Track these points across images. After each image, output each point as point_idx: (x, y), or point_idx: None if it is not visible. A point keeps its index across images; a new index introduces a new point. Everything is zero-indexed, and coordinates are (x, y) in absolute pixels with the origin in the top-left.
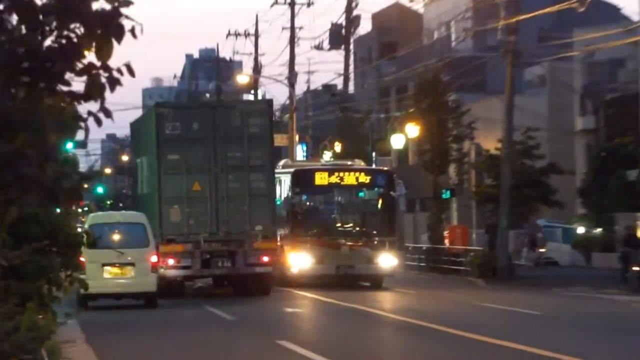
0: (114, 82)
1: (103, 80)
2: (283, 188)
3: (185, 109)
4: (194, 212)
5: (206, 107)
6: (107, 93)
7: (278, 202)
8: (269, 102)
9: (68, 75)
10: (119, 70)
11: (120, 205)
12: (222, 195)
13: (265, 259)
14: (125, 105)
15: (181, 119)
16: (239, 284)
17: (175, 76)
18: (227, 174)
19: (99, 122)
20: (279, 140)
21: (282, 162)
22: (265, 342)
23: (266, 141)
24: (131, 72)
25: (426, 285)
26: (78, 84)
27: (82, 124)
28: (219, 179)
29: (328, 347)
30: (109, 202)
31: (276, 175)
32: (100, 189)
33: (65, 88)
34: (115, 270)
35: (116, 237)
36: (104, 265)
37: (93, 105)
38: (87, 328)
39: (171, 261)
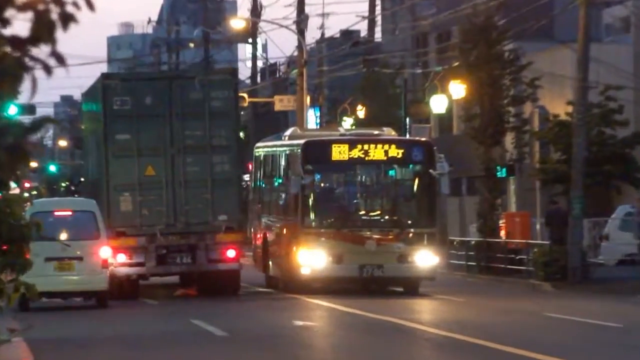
0: (67, 19)
1: (54, 16)
2: (291, 165)
3: (136, 80)
4: (147, 201)
5: (161, 79)
6: (60, 34)
7: (276, 183)
8: (234, 72)
9: (8, 13)
10: (75, 4)
11: (73, 189)
12: (180, 180)
13: (231, 253)
14: (87, 59)
15: (132, 92)
16: (202, 283)
17: (149, 20)
18: (186, 156)
19: (48, 70)
20: (285, 102)
21: (288, 132)
22: None
23: (231, 117)
24: (90, 5)
25: (476, 290)
26: (21, 24)
27: (28, 75)
28: (176, 162)
29: None
30: (63, 185)
31: (281, 149)
32: (52, 167)
33: (4, 29)
34: (61, 265)
35: (62, 227)
36: (47, 259)
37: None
38: (38, 346)
39: (122, 257)
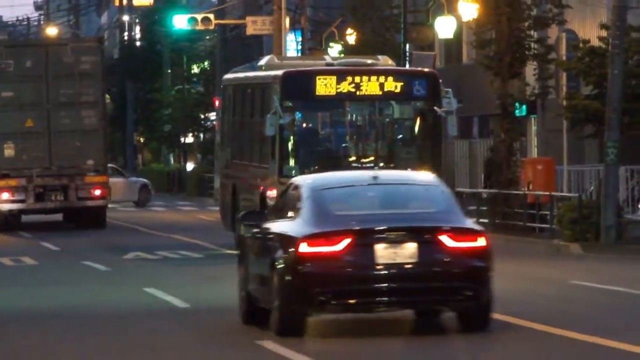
0: None
1: None
2: (266, 101)
3: (18, 47)
4: (27, 148)
5: (39, 46)
6: None
7: (249, 123)
8: (100, 39)
9: None
10: None
11: None
12: (55, 131)
13: (97, 192)
14: None
15: (14, 56)
16: (73, 217)
17: None
18: (59, 110)
19: None
20: (259, 25)
21: (264, 61)
22: (242, 341)
23: (97, 78)
24: None
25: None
26: None
27: None
28: (51, 116)
29: (325, 347)
30: None
31: (254, 81)
32: None
33: None
34: None
35: None
36: None
37: None
38: None
39: (5, 195)
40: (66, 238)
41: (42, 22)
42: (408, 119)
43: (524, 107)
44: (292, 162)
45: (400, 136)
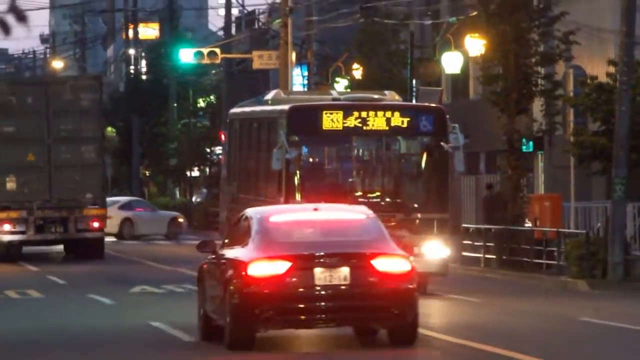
0: None
1: None
2: (271, 135)
3: (20, 84)
4: (28, 181)
5: (39, 83)
6: None
7: (255, 158)
8: (99, 77)
9: None
10: None
11: None
12: (55, 165)
13: (96, 224)
14: (26, 4)
15: (16, 93)
16: (73, 248)
17: None
18: (60, 145)
19: (6, 29)
20: (265, 59)
21: (270, 95)
22: None
23: (96, 114)
24: None
25: (496, 289)
26: None
27: None
28: (52, 150)
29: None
30: None
31: (261, 116)
32: None
33: None
34: None
35: None
36: None
37: None
38: None
39: (7, 226)
40: (72, 271)
41: (48, 56)
42: (415, 155)
43: (531, 143)
44: (298, 197)
45: (407, 172)
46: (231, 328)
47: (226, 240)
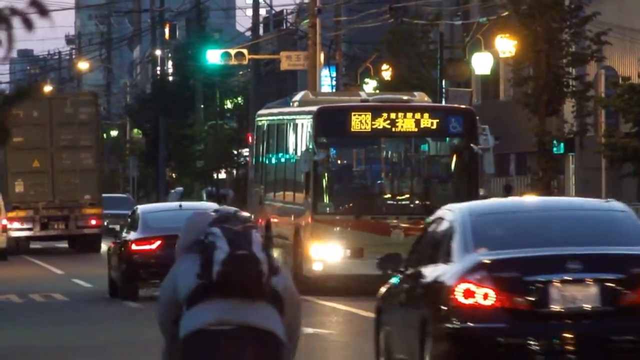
0: None
1: None
2: (299, 137)
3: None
4: (34, 185)
5: (43, 99)
6: None
7: (283, 160)
8: (95, 94)
9: None
10: None
11: None
12: (57, 170)
13: (93, 222)
14: (50, 5)
15: (23, 107)
16: (73, 243)
17: None
18: (61, 153)
19: (29, 24)
20: (294, 60)
21: (298, 96)
22: None
23: (93, 126)
24: None
25: None
26: None
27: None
28: (54, 157)
29: None
30: None
31: (289, 117)
32: None
33: None
34: None
35: None
36: None
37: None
38: None
39: (16, 224)
40: (97, 274)
41: (73, 57)
42: (444, 156)
43: (562, 144)
44: (326, 199)
45: (436, 174)
46: None
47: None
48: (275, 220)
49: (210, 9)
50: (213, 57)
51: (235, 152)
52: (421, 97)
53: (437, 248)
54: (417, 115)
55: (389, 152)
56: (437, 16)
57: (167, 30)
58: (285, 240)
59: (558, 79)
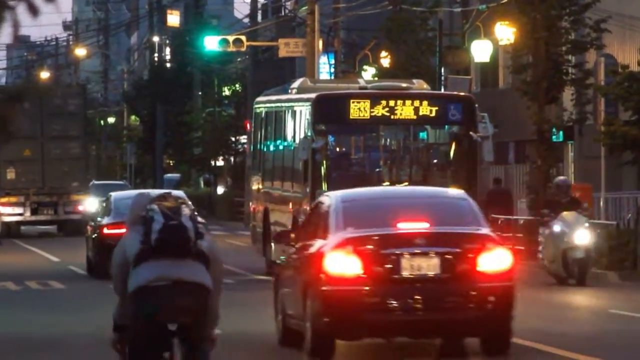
0: None
1: None
2: (297, 124)
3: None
4: (25, 172)
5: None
6: None
7: (281, 147)
8: (83, 86)
9: None
10: None
11: None
12: (47, 159)
13: (80, 207)
14: None
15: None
16: (61, 227)
17: None
18: (51, 142)
19: (34, 10)
20: (292, 47)
21: (296, 83)
22: None
23: (81, 116)
24: None
25: (524, 281)
26: None
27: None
28: (44, 146)
29: None
30: None
31: (287, 104)
32: None
33: None
34: None
35: None
36: None
37: None
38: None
39: (8, 209)
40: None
41: (71, 43)
42: (443, 144)
43: (561, 132)
44: (324, 187)
45: (435, 161)
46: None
47: None
48: (273, 207)
49: None
50: (211, 43)
51: (233, 139)
52: (420, 85)
53: (317, 226)
54: (416, 103)
55: (388, 140)
56: (436, 3)
57: (168, 17)
58: (283, 227)
59: (557, 67)
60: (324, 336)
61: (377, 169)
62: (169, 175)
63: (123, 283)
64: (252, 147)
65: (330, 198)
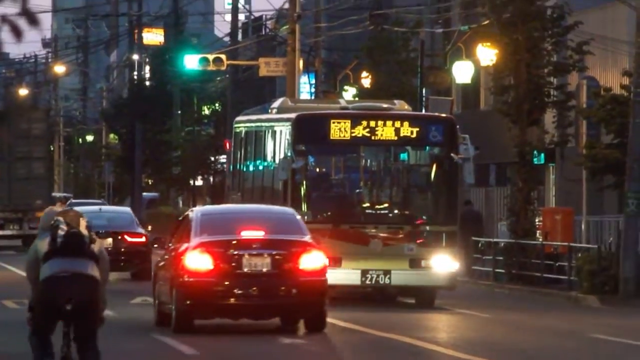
0: None
1: None
2: (277, 144)
3: None
4: None
5: (3, 116)
6: None
7: (260, 167)
8: (47, 111)
9: None
10: None
11: None
12: (13, 178)
13: None
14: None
15: None
16: (26, 242)
17: None
18: (17, 163)
19: (18, 33)
20: (272, 67)
21: (276, 103)
22: None
23: (45, 139)
24: None
25: (507, 304)
26: None
27: None
28: (11, 167)
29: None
30: None
31: (267, 124)
32: None
33: None
34: None
35: None
36: None
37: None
38: None
39: None
40: None
41: (50, 60)
42: (424, 165)
43: (543, 155)
44: (304, 207)
45: (416, 183)
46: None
47: None
48: None
49: (188, 14)
50: (191, 62)
51: (213, 158)
52: (401, 106)
53: (183, 233)
54: (397, 124)
55: (368, 161)
56: (418, 24)
57: (144, 35)
58: None
59: (539, 89)
60: (185, 316)
61: (358, 190)
62: (146, 194)
63: (35, 274)
64: (231, 167)
65: (193, 212)
